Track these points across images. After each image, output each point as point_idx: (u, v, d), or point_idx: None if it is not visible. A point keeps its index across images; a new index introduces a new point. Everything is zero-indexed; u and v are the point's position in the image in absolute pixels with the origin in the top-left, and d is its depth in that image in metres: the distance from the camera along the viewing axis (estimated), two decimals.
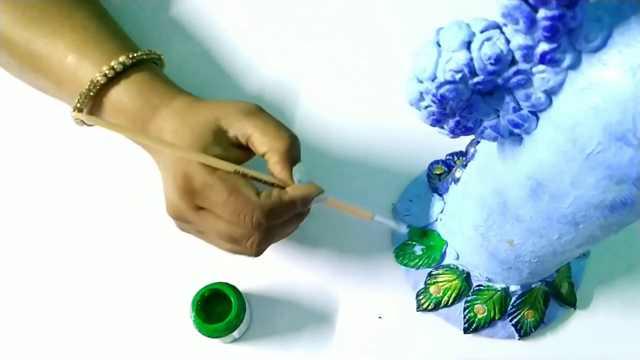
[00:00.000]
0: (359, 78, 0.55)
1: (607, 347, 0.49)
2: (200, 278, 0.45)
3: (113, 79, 0.44)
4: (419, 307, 0.48)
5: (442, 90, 0.29)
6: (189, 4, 0.56)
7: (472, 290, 0.47)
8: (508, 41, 0.27)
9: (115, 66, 0.43)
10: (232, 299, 0.44)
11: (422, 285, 0.48)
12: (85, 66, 0.44)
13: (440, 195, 0.49)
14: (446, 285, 0.48)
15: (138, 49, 0.46)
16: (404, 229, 0.48)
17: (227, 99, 0.44)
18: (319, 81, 0.54)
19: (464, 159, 0.47)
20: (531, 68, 0.28)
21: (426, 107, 0.31)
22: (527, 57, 0.27)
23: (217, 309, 0.45)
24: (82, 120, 0.46)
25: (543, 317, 0.48)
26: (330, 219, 0.50)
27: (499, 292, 0.47)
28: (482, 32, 0.28)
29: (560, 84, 0.28)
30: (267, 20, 0.56)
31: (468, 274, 0.47)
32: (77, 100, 0.44)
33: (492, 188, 0.37)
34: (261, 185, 0.41)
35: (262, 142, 0.41)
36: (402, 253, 0.49)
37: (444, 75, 0.28)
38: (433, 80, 0.29)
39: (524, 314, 0.47)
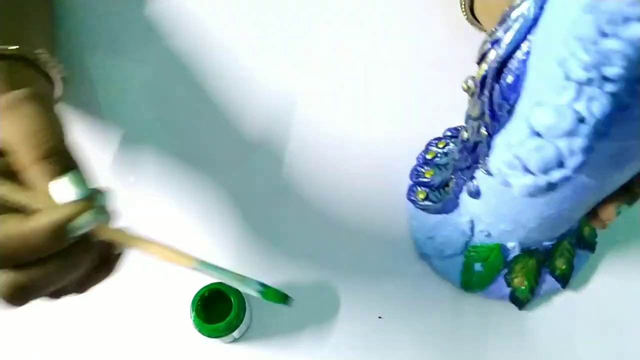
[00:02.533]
0: (357, 79, 0.55)
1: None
2: (200, 278, 0.44)
3: None
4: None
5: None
6: (172, 2, 0.56)
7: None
8: None
9: None
10: (232, 298, 0.44)
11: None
12: None
13: (447, 213, 0.49)
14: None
15: (20, 44, 0.42)
16: (253, 290, 0.33)
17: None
18: (316, 85, 0.55)
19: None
20: None
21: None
22: None
23: (217, 308, 0.45)
24: None
25: None
26: (332, 219, 0.50)
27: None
28: None
29: None
30: (265, 18, 0.56)
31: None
32: None
33: None
34: None
35: (20, 151, 0.30)
36: (470, 281, 0.48)
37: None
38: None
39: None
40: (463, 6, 0.50)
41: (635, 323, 0.49)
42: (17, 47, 0.41)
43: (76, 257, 0.31)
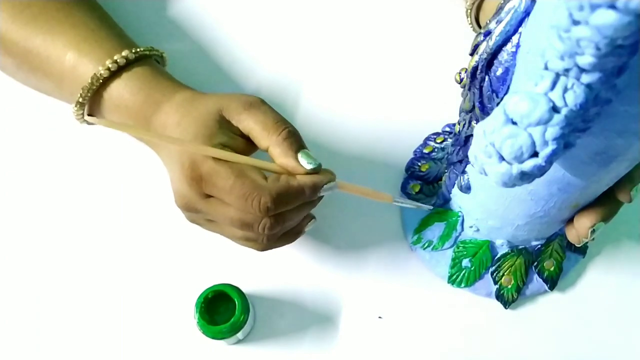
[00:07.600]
0: (360, 73, 0.56)
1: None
2: (204, 279, 0.46)
3: (115, 74, 0.44)
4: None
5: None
6: (188, 2, 0.57)
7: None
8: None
9: (118, 60, 0.43)
10: (235, 300, 0.44)
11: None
12: (86, 62, 0.44)
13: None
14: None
15: (138, 47, 0.46)
16: (427, 207, 0.48)
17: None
18: (319, 79, 0.56)
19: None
20: None
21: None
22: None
23: (221, 310, 0.45)
24: (83, 117, 0.45)
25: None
26: (335, 220, 0.51)
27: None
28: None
29: None
30: (266, 17, 0.58)
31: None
32: (79, 95, 0.44)
33: (548, 180, 0.37)
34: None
35: (263, 136, 0.41)
36: (457, 276, 0.50)
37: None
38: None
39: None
40: (469, 17, 0.51)
41: (622, 329, 0.50)
42: (150, 47, 0.46)
43: (315, 202, 0.43)
